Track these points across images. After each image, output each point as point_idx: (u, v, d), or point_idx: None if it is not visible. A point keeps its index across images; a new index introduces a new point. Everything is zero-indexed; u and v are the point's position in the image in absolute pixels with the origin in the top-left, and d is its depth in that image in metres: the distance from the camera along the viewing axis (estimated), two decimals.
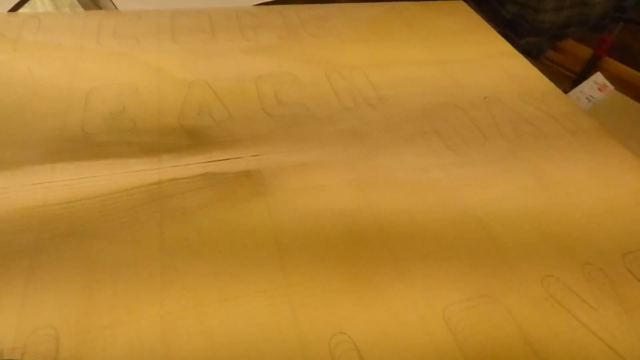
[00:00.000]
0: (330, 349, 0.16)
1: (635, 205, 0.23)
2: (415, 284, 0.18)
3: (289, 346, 0.16)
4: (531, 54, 0.67)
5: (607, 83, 0.47)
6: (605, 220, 0.22)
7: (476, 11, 0.50)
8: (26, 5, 0.32)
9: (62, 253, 0.17)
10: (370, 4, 0.38)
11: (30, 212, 0.19)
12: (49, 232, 0.18)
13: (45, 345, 0.15)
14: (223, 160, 0.22)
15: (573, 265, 0.20)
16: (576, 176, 0.25)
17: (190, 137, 0.23)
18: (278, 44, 0.31)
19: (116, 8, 0.33)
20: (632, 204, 0.23)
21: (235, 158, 0.22)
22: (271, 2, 0.37)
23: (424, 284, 0.18)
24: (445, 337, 0.16)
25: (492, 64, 0.33)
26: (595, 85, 0.44)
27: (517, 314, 0.18)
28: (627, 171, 0.26)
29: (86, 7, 0.33)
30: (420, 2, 0.40)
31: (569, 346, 0.17)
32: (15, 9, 0.31)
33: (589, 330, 0.18)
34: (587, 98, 0.44)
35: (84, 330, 0.15)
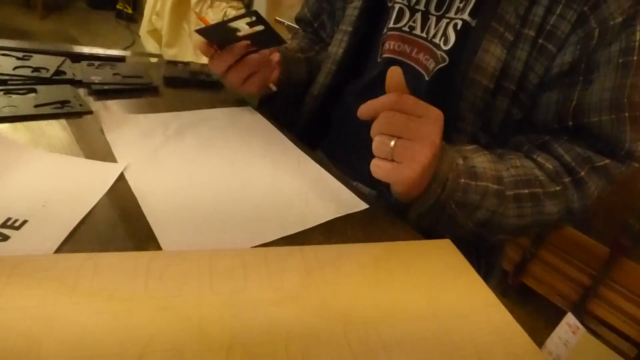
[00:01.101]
0: None
1: None
2: None
3: None
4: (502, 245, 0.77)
5: (579, 324, 0.54)
6: None
7: (454, 218, 0.57)
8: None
9: None
10: (374, 244, 0.45)
11: None
12: None
13: None
14: None
15: None
16: None
17: None
18: (300, 294, 0.36)
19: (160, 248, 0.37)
20: None
21: None
22: (292, 235, 0.43)
23: None
24: None
25: (481, 318, 0.38)
26: (569, 328, 0.50)
27: None
28: None
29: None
30: (414, 241, 0.47)
31: None
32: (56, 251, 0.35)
33: None
34: (564, 344, 0.50)
35: None
